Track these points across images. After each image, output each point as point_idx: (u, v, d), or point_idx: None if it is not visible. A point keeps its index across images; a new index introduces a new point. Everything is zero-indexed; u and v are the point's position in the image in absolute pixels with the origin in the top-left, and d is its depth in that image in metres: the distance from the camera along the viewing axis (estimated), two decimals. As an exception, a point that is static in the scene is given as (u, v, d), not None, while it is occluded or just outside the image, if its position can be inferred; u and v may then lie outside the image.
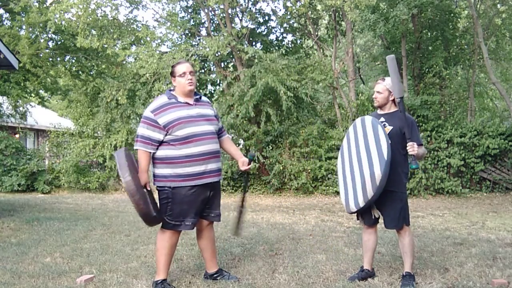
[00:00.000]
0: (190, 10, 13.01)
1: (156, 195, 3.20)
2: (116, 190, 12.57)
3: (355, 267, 3.67)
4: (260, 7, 13.35)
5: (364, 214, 3.35)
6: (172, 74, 3.21)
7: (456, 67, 13.69)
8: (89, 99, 13.43)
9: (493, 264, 3.75)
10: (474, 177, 10.50)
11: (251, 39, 12.59)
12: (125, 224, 5.99)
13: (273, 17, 13.10)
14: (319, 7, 11.67)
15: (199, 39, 12.30)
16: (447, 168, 10.39)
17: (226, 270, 3.53)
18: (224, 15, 11.77)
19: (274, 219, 6.70)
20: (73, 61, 14.06)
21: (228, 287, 3.21)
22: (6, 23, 13.74)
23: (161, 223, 3.19)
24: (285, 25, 12.95)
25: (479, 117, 14.58)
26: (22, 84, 14.22)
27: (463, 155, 10.25)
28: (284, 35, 13.65)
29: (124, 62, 13.02)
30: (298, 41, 14.04)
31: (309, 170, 10.68)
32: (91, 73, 14.28)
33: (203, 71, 12.40)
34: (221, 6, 11.61)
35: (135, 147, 3.14)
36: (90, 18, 11.02)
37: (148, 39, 11.66)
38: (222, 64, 12.78)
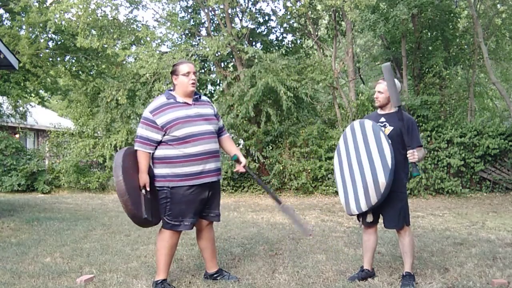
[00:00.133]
0: (190, 10, 13.01)
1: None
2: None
3: (355, 267, 3.67)
4: (260, 7, 13.36)
5: (364, 214, 3.35)
6: (175, 72, 3.20)
7: (456, 67, 13.68)
8: (89, 99, 13.42)
9: (493, 264, 3.75)
10: (474, 177, 10.50)
11: (251, 39, 12.59)
12: (125, 224, 5.99)
13: (273, 17, 13.11)
14: (319, 7, 11.67)
15: (199, 39, 12.30)
16: (447, 168, 10.38)
17: (226, 270, 3.53)
18: (224, 15, 11.77)
19: (274, 219, 6.70)
20: (73, 61, 14.06)
21: (228, 287, 3.21)
22: (6, 23, 13.74)
23: (161, 224, 3.19)
24: (285, 25, 12.95)
25: (479, 117, 14.57)
26: (22, 84, 14.22)
27: (463, 155, 10.25)
28: (284, 35, 13.66)
29: (124, 62, 13.02)
30: (298, 41, 14.04)
31: (309, 170, 10.68)
32: (91, 73, 14.28)
33: (203, 71, 12.40)
34: (221, 6, 11.60)
35: (135, 148, 3.15)
36: (90, 18, 11.01)
37: (148, 39, 11.66)
38: (222, 64, 12.78)
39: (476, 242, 4.69)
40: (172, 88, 3.26)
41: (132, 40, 12.05)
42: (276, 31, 13.50)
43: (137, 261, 3.96)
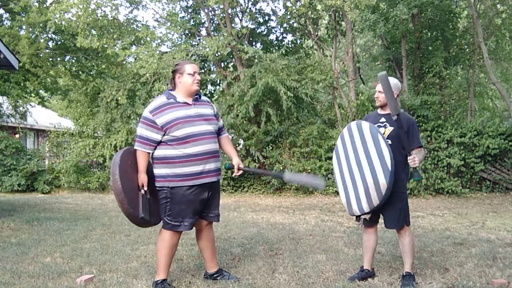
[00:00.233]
0: (190, 10, 13.01)
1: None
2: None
3: (355, 267, 3.67)
4: (260, 7, 13.36)
5: (364, 214, 3.34)
6: (179, 71, 3.18)
7: (456, 67, 13.69)
8: (89, 99, 13.43)
9: (493, 264, 3.75)
10: (474, 177, 10.50)
11: (251, 39, 12.59)
12: (125, 224, 5.98)
13: (273, 17, 13.11)
14: (319, 7, 11.67)
15: (199, 39, 12.30)
16: (447, 168, 10.38)
17: (226, 270, 3.53)
18: (224, 15, 11.77)
19: (274, 219, 6.70)
20: (73, 61, 14.06)
21: (228, 287, 3.21)
22: (6, 23, 13.73)
23: (161, 224, 3.19)
24: (285, 25, 12.95)
25: (479, 117, 14.57)
26: (22, 84, 14.22)
27: (463, 155, 10.25)
28: (284, 35, 13.66)
29: (124, 62, 13.02)
30: (298, 41, 14.04)
31: (309, 170, 10.68)
32: (91, 73, 14.27)
33: (203, 71, 12.40)
34: (221, 6, 11.60)
35: (134, 147, 3.15)
36: (90, 18, 11.01)
37: (148, 39, 11.66)
38: (222, 64, 12.78)
39: (476, 242, 4.69)
40: (171, 88, 3.26)
41: (132, 40, 12.04)
42: (276, 31, 13.51)
43: (137, 261, 3.96)
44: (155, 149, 3.12)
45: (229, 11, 11.86)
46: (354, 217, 3.38)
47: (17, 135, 15.96)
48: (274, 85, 9.95)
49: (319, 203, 9.29)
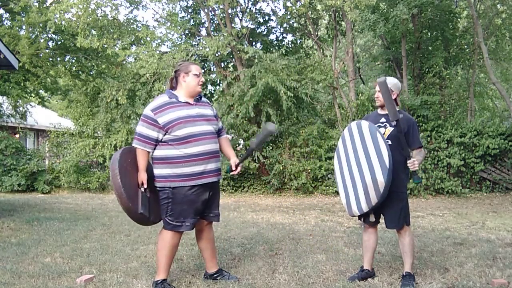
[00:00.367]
0: (190, 10, 13.01)
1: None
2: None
3: (355, 267, 3.67)
4: (260, 7, 13.36)
5: (366, 215, 3.35)
6: (184, 70, 3.18)
7: (456, 67, 13.69)
8: (89, 99, 13.43)
9: (493, 264, 3.75)
10: (474, 177, 10.50)
11: (251, 39, 12.59)
12: (125, 224, 5.98)
13: (273, 17, 13.10)
14: (319, 7, 11.67)
15: (199, 39, 12.30)
16: (447, 168, 10.38)
17: (226, 270, 3.53)
18: (224, 15, 11.77)
19: (274, 219, 6.70)
20: (73, 61, 14.06)
21: (228, 287, 3.21)
22: (6, 23, 13.74)
23: (161, 224, 3.19)
24: (285, 25, 12.94)
25: (479, 117, 14.57)
26: (22, 84, 14.22)
27: (463, 155, 10.25)
28: (284, 35, 13.65)
29: (124, 62, 13.02)
30: (298, 41, 14.04)
31: (309, 170, 10.69)
32: (91, 73, 14.27)
33: (203, 71, 12.40)
34: (221, 6, 11.60)
35: (133, 145, 3.14)
36: (90, 18, 11.01)
37: (148, 39, 11.66)
38: (222, 64, 12.78)
39: (476, 242, 4.69)
40: (169, 87, 3.26)
41: (132, 40, 12.05)
42: (276, 31, 13.50)
43: (137, 261, 3.96)
44: (155, 149, 3.12)
45: (229, 11, 11.86)
46: (356, 216, 3.38)
47: (17, 135, 15.96)
48: (274, 85, 9.95)
49: (319, 203, 9.29)
